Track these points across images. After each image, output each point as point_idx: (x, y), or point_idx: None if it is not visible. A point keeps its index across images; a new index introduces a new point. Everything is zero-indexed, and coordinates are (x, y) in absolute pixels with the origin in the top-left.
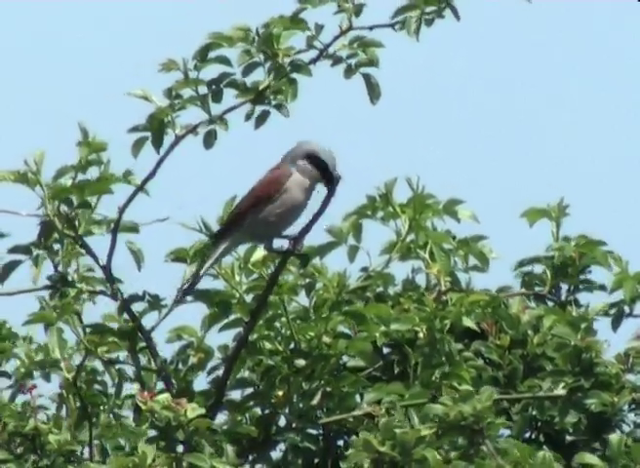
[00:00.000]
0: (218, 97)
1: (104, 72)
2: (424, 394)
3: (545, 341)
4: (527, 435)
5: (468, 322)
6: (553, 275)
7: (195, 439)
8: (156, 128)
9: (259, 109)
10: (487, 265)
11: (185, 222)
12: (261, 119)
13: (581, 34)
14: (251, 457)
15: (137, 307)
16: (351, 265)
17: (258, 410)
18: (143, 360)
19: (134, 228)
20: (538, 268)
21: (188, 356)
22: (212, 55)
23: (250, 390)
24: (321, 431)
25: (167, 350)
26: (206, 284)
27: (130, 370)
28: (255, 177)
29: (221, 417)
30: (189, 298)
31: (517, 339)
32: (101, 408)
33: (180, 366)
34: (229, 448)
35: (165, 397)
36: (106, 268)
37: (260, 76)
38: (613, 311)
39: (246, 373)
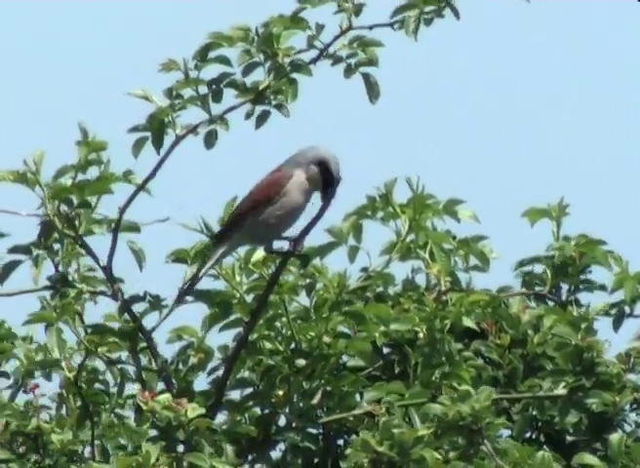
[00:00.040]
0: (218, 96)
1: (104, 72)
2: (424, 394)
3: (546, 341)
4: (527, 435)
5: (468, 322)
6: (553, 275)
7: (195, 439)
8: (156, 128)
9: (259, 109)
10: (487, 265)
11: (186, 223)
12: (262, 119)
13: (581, 34)
14: (250, 457)
15: (137, 308)
16: (351, 265)
17: (257, 410)
18: (144, 360)
19: (135, 227)
20: (538, 268)
21: (189, 356)
22: (212, 54)
23: (250, 390)
24: (321, 430)
25: (167, 350)
26: (206, 284)
27: (131, 369)
28: (255, 178)
29: (221, 417)
30: (190, 299)
31: (517, 339)
32: (103, 407)
33: (181, 366)
34: (229, 448)
35: (165, 397)
36: (107, 268)
37: (260, 76)
38: (613, 311)
39: (246, 373)
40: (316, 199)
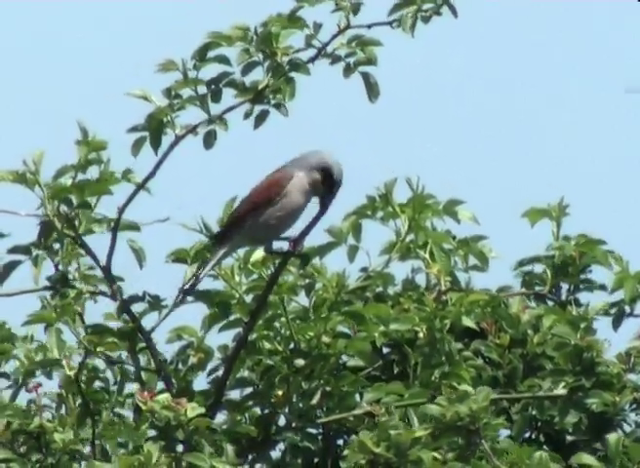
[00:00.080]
0: (217, 96)
1: (104, 72)
2: (424, 394)
3: (545, 341)
4: (527, 435)
5: (468, 321)
6: (553, 274)
7: (195, 438)
8: (155, 128)
9: (257, 109)
10: (487, 265)
11: (186, 223)
12: (261, 118)
13: (581, 34)
14: (250, 457)
15: (137, 308)
16: (351, 265)
17: (257, 410)
18: (143, 360)
19: (134, 226)
20: (538, 268)
21: (188, 356)
22: (211, 54)
23: (249, 390)
24: (321, 430)
25: (167, 350)
26: (206, 284)
27: (131, 369)
28: (254, 177)
29: (221, 417)
30: (190, 299)
31: (517, 339)
32: (104, 405)
33: (180, 366)
34: (229, 448)
35: (165, 397)
36: (106, 268)
37: (258, 75)
38: (613, 311)
39: (245, 373)
40: (315, 203)
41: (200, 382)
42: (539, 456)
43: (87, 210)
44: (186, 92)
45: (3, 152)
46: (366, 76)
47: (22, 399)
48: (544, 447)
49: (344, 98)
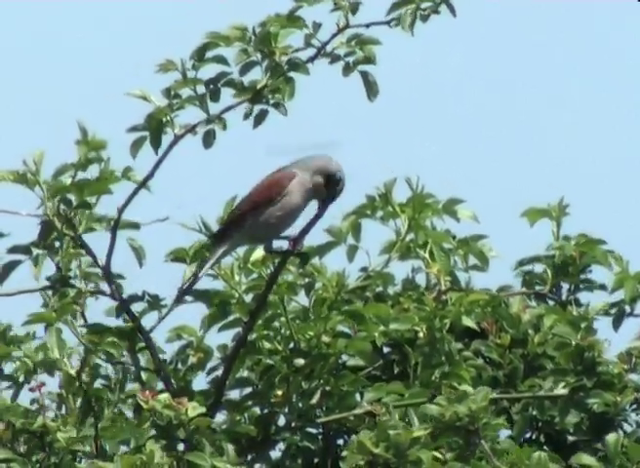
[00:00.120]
0: (215, 96)
1: (104, 72)
2: (424, 394)
3: (546, 341)
4: (527, 435)
5: (468, 321)
6: (554, 274)
7: (196, 438)
8: (154, 127)
9: (256, 108)
10: (487, 265)
11: (185, 222)
12: (260, 118)
13: (581, 33)
14: (250, 457)
15: (136, 307)
16: (351, 265)
17: (257, 410)
18: (143, 360)
19: (134, 224)
20: (538, 267)
21: (188, 356)
22: (209, 54)
23: (249, 389)
24: (321, 430)
25: (167, 350)
26: (205, 284)
27: (131, 369)
28: (254, 177)
29: (221, 417)
30: (189, 298)
31: (518, 339)
32: (106, 401)
33: (180, 365)
34: (230, 448)
35: (165, 396)
36: (106, 268)
37: (257, 75)
38: (613, 311)
39: (245, 373)
40: (314, 203)
41: (199, 382)
42: (538, 456)
43: (87, 209)
44: (185, 92)
45: (3, 152)
46: (365, 75)
47: (22, 398)
48: (545, 447)
49: (344, 98)
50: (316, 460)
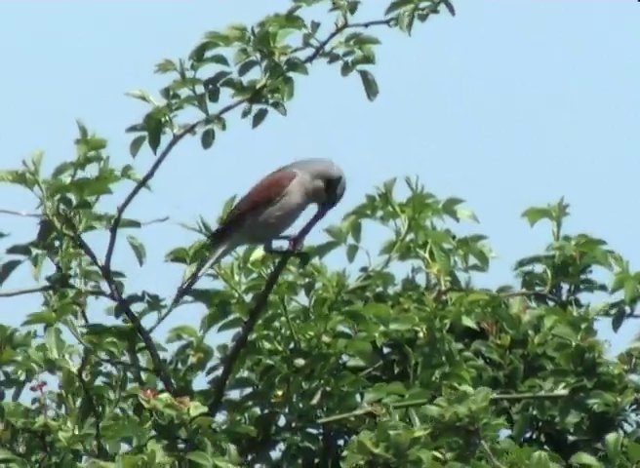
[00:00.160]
0: (215, 96)
1: (104, 72)
2: (424, 394)
3: (546, 341)
4: (528, 435)
5: (468, 321)
6: (554, 275)
7: (198, 437)
8: (153, 127)
9: (256, 108)
10: (486, 265)
11: (185, 222)
12: (259, 118)
13: (581, 34)
14: (250, 457)
15: (136, 307)
16: (351, 265)
17: (257, 410)
18: (143, 360)
19: (134, 223)
20: (538, 268)
21: (188, 356)
22: (208, 54)
23: (249, 390)
24: (321, 431)
25: (167, 349)
26: (205, 284)
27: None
28: (253, 176)
29: (221, 417)
30: (189, 298)
31: (518, 339)
32: (107, 400)
33: (180, 366)
34: (232, 447)
35: (166, 396)
36: (105, 268)
37: (256, 75)
38: (613, 311)
39: (245, 373)
40: (313, 206)
41: (199, 382)
42: (538, 456)
43: (86, 209)
44: (184, 91)
45: (3, 152)
46: (364, 74)
47: (22, 398)
48: (545, 447)
49: (343, 97)
50: (316, 461)
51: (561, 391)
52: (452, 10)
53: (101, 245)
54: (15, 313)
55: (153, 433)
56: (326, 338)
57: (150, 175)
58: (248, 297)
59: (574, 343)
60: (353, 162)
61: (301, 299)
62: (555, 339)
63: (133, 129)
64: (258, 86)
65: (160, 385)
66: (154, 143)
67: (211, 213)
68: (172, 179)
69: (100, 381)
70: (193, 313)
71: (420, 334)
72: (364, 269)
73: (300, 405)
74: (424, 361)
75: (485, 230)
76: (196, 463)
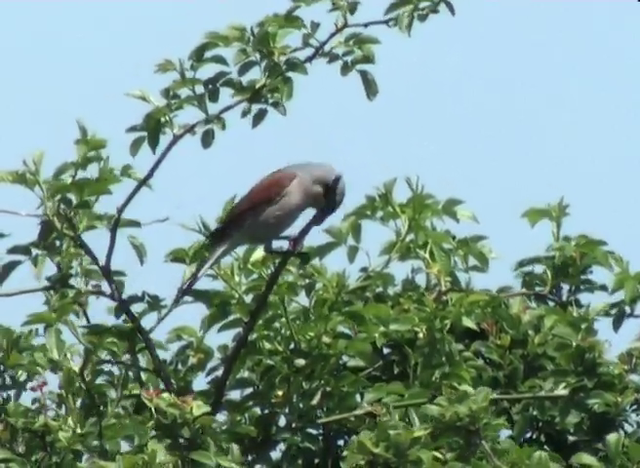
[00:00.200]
0: (214, 96)
1: (104, 72)
2: (424, 394)
3: (546, 341)
4: (528, 435)
5: (468, 322)
6: (554, 275)
7: (201, 437)
8: (152, 127)
9: (255, 108)
10: (486, 265)
11: (185, 223)
12: (258, 118)
13: (580, 33)
14: (250, 457)
15: (136, 308)
16: (351, 265)
17: (257, 410)
18: (143, 360)
19: (135, 222)
20: (538, 268)
21: (188, 356)
22: (208, 54)
23: (249, 390)
24: (321, 431)
25: (167, 350)
26: (205, 284)
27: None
28: (253, 176)
29: (221, 417)
30: (189, 299)
31: (518, 339)
32: (109, 398)
33: (180, 366)
34: (235, 447)
35: (168, 395)
36: (105, 268)
37: (256, 75)
38: (613, 311)
39: (245, 373)
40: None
41: (199, 382)
42: (538, 456)
43: (86, 209)
44: (184, 92)
45: (3, 152)
46: (364, 74)
47: (22, 398)
48: (545, 447)
49: (343, 97)
50: (317, 461)
51: (561, 391)
52: (452, 10)
53: (102, 244)
54: (15, 313)
55: (154, 433)
56: (326, 339)
57: (150, 175)
58: (248, 298)
59: (574, 343)
60: (353, 162)
61: (302, 300)
62: (555, 339)
63: (132, 129)
64: (257, 86)
65: (160, 386)
66: (153, 143)
67: (211, 213)
68: (172, 179)
69: (101, 380)
70: (193, 313)
71: (420, 335)
72: (364, 270)
73: (301, 405)
74: (424, 361)
75: (485, 230)
76: (199, 462)
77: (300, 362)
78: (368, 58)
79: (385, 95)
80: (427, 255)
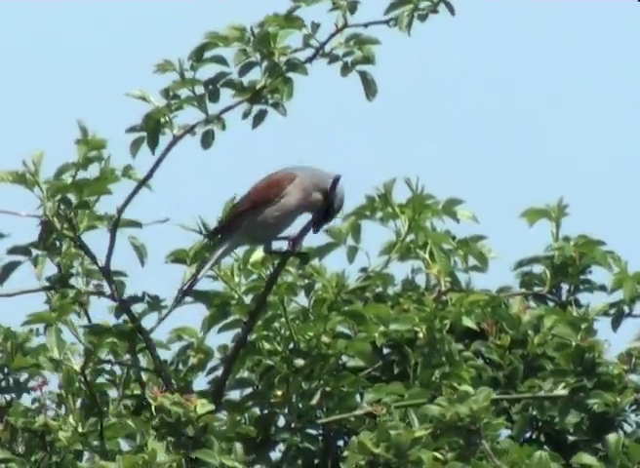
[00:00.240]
0: (214, 96)
1: (104, 72)
2: (424, 394)
3: (546, 341)
4: (527, 435)
5: (468, 322)
6: (553, 275)
7: (205, 435)
8: (152, 128)
9: (256, 108)
10: (486, 265)
11: (185, 223)
12: (259, 118)
13: (580, 33)
14: (250, 458)
15: (136, 308)
16: (350, 266)
17: (257, 411)
18: (143, 361)
19: (135, 223)
20: (537, 268)
21: (188, 356)
22: (208, 54)
23: (249, 390)
24: (321, 431)
25: (167, 350)
26: (205, 285)
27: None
28: (253, 177)
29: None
30: (189, 299)
31: (518, 339)
32: (110, 397)
33: (180, 366)
34: (238, 446)
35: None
36: (105, 268)
37: (256, 75)
38: (613, 311)
39: (245, 374)
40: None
41: (200, 382)
42: (539, 456)
43: (86, 209)
44: (184, 92)
45: (3, 152)
46: (364, 75)
47: (22, 398)
48: (545, 447)
49: (342, 97)
50: (316, 461)
51: (561, 391)
52: (451, 10)
53: (102, 245)
54: (15, 313)
55: (154, 434)
56: (326, 339)
57: (150, 175)
58: (248, 298)
59: (573, 343)
60: (353, 162)
61: (301, 300)
62: (555, 339)
63: (132, 129)
64: (257, 86)
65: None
66: (152, 144)
67: (211, 213)
68: (172, 180)
69: (102, 379)
70: (194, 314)
71: (420, 335)
72: (364, 270)
73: (300, 405)
74: (424, 361)
75: (485, 230)
76: (203, 461)
77: (300, 362)
78: (368, 59)
79: (385, 95)
80: (427, 256)
